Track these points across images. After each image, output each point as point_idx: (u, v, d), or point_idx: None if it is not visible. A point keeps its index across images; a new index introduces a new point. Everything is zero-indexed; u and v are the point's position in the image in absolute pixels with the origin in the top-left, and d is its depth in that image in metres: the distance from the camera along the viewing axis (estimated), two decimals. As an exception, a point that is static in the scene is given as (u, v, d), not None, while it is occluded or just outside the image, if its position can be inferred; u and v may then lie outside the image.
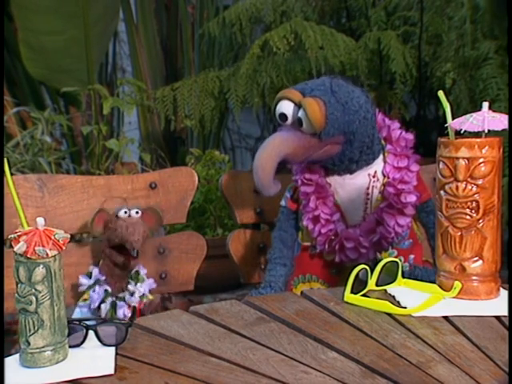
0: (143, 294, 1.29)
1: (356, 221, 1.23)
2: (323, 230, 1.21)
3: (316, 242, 1.23)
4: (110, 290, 1.27)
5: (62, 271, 0.76)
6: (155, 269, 1.39)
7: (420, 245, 1.28)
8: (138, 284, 1.28)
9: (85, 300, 1.28)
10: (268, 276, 1.24)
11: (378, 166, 1.22)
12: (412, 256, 1.25)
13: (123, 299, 1.27)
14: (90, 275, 1.28)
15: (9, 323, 1.75)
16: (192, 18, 3.35)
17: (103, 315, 1.25)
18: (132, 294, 1.27)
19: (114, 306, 1.25)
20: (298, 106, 1.14)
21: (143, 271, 1.31)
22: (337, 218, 1.22)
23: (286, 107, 1.16)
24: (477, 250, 0.92)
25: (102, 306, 1.25)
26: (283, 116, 1.16)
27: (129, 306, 1.26)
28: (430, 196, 1.27)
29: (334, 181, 1.22)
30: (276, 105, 1.18)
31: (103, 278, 1.27)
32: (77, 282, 1.29)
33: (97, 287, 1.26)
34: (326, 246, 1.21)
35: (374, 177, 1.22)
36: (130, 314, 1.26)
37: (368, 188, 1.21)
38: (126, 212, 1.26)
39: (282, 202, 1.30)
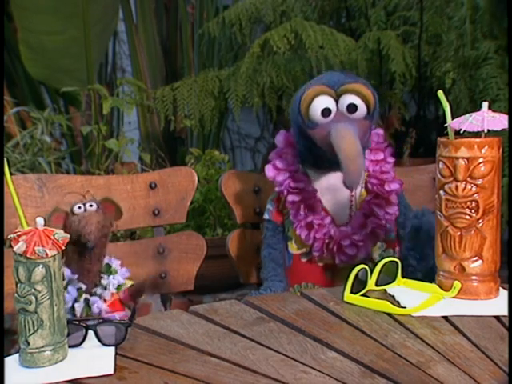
0: (119, 285, 1.26)
1: (343, 220, 1.23)
2: (318, 235, 1.21)
3: (312, 248, 1.22)
4: (84, 287, 1.23)
5: (61, 271, 0.76)
6: (155, 269, 1.39)
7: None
8: (111, 276, 1.25)
9: None
10: (267, 283, 1.25)
11: None
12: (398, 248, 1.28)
13: (96, 294, 1.24)
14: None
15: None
16: (192, 17, 3.35)
17: (78, 314, 1.22)
18: (105, 287, 1.24)
19: (87, 303, 1.23)
20: (336, 99, 1.15)
21: (115, 262, 1.28)
22: (328, 221, 1.22)
23: (327, 102, 1.15)
24: (476, 249, 0.92)
25: (76, 305, 1.22)
26: (327, 110, 1.15)
27: (104, 300, 1.24)
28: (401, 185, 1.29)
29: (319, 185, 1.23)
30: (309, 103, 1.16)
31: (75, 276, 1.24)
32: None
33: (69, 287, 1.23)
34: (325, 251, 1.21)
35: None
36: (104, 307, 1.23)
37: None
38: (80, 207, 1.22)
39: (266, 216, 1.29)
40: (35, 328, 0.74)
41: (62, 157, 2.79)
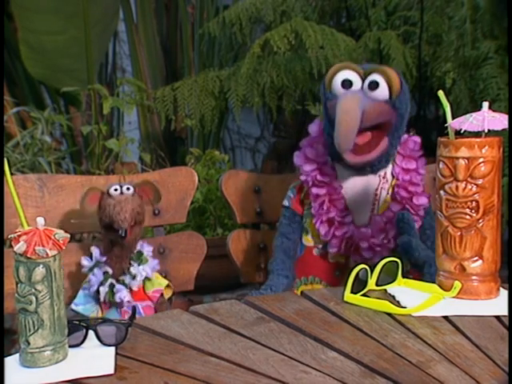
0: (149, 278, 1.24)
1: (363, 221, 1.22)
2: (338, 233, 1.19)
3: (329, 244, 1.21)
4: (110, 271, 1.21)
5: (61, 271, 0.77)
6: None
7: None
8: (141, 266, 1.23)
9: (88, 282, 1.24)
10: (269, 281, 1.22)
11: (387, 167, 1.23)
12: None
13: (123, 282, 1.22)
14: (91, 256, 1.24)
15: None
16: (192, 17, 3.35)
17: (102, 299, 1.21)
18: (134, 276, 1.22)
19: (112, 289, 1.21)
20: (362, 77, 1.15)
21: (147, 249, 1.26)
22: (349, 220, 1.20)
23: (351, 74, 1.15)
24: (477, 249, 0.92)
25: (101, 289, 1.20)
26: (348, 82, 1.15)
27: (130, 289, 1.22)
28: (429, 199, 1.27)
29: (346, 182, 1.21)
30: (334, 75, 1.16)
31: (104, 258, 1.22)
32: (77, 282, 1.29)
33: (96, 270, 1.21)
34: (342, 248, 1.20)
35: (383, 178, 1.22)
36: (128, 298, 1.21)
37: (377, 189, 1.21)
38: (116, 189, 1.19)
39: (285, 203, 1.27)
40: (35, 328, 0.74)
41: (62, 157, 2.79)
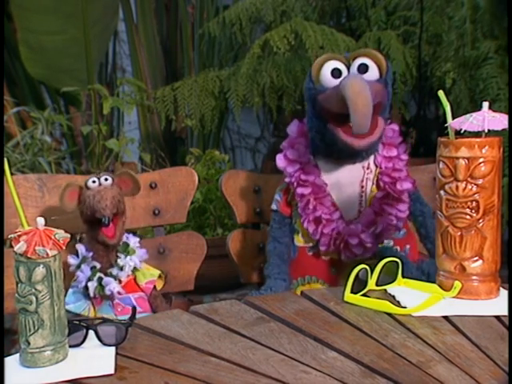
0: (136, 269, 1.24)
1: (352, 215, 1.22)
2: (326, 231, 1.20)
3: (319, 243, 1.21)
4: (98, 266, 1.21)
5: (61, 271, 0.77)
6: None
7: (413, 234, 1.29)
8: (128, 257, 1.22)
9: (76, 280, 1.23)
10: (268, 283, 1.23)
11: (370, 157, 1.23)
12: (408, 246, 1.26)
13: (111, 274, 1.21)
14: (78, 253, 1.23)
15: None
16: (192, 17, 3.35)
17: (91, 294, 1.20)
18: (122, 268, 1.22)
19: (101, 283, 1.20)
20: (347, 65, 1.15)
21: (134, 240, 1.25)
22: (337, 216, 1.21)
23: (337, 64, 1.15)
24: (477, 249, 0.92)
25: (89, 284, 1.20)
26: (337, 71, 1.15)
27: (119, 281, 1.22)
28: (414, 184, 1.27)
29: (330, 178, 1.22)
30: (320, 68, 1.16)
31: (90, 254, 1.22)
32: (67, 282, 1.28)
33: (83, 266, 1.21)
34: (332, 245, 1.20)
35: (367, 168, 1.22)
36: (118, 289, 1.21)
37: (362, 181, 1.22)
38: (94, 181, 1.19)
39: (273, 206, 1.28)
40: (36, 328, 0.74)
41: (62, 157, 2.79)
